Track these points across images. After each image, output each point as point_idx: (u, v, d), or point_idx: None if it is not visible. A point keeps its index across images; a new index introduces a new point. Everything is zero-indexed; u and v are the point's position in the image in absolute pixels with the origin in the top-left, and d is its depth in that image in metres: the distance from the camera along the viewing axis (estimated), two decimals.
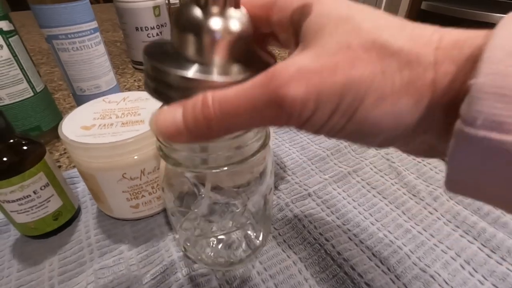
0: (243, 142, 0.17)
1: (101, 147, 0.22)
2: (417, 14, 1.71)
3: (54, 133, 0.40)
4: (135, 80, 0.57)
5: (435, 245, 0.25)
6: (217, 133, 0.12)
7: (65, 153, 0.38)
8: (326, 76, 0.10)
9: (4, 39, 0.32)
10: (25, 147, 0.23)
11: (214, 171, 0.17)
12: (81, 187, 0.32)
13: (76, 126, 0.24)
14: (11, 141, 0.22)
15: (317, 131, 0.11)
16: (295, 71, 0.10)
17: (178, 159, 0.17)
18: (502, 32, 0.09)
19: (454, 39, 0.10)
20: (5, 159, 0.22)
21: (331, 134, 0.11)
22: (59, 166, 0.35)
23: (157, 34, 0.57)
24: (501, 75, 0.08)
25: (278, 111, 0.10)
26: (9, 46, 0.32)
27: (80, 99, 0.41)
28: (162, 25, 0.58)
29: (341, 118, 0.11)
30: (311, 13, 0.12)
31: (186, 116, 0.11)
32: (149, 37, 0.57)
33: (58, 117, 0.40)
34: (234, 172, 0.20)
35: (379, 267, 0.24)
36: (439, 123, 0.10)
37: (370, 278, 0.23)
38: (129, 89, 0.54)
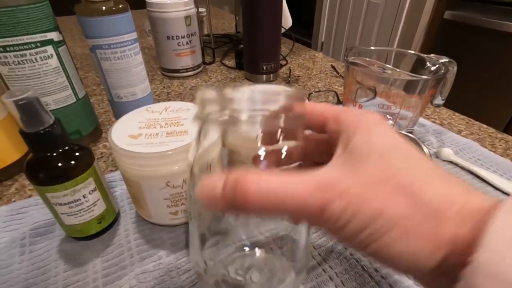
0: None
1: (149, 156, 0.23)
2: (439, 24, 1.68)
3: (91, 137, 0.41)
4: (164, 87, 0.59)
5: None
6: (251, 213, 0.12)
7: (102, 157, 0.39)
8: (365, 201, 0.12)
9: (54, 49, 0.34)
10: (77, 153, 0.24)
11: None
12: (119, 192, 0.33)
13: (124, 134, 0.25)
14: (66, 148, 0.24)
15: (345, 240, 0.13)
16: (343, 190, 0.12)
17: None
18: (502, 219, 0.10)
19: (478, 206, 0.11)
20: (60, 164, 0.23)
21: (357, 248, 0.13)
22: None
23: (187, 43, 0.59)
24: (495, 262, 0.09)
25: (318, 214, 0.12)
26: (58, 55, 0.34)
27: (116, 105, 0.43)
28: (192, 34, 0.59)
29: (368, 238, 0.12)
30: (360, 134, 0.13)
31: (225, 192, 0.12)
32: (179, 45, 0.59)
33: (95, 122, 0.42)
34: None
35: (418, 285, 0.23)
36: (452, 276, 0.11)
37: None
38: (158, 96, 0.56)
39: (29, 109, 0.21)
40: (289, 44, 0.83)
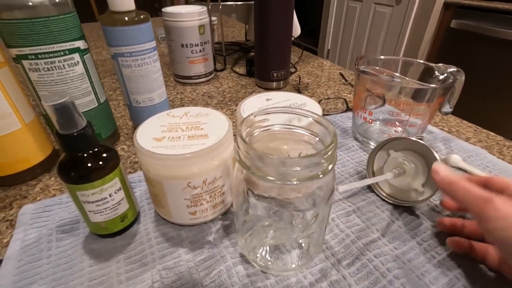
0: (314, 161, 0.19)
1: (173, 158, 0.25)
2: (446, 33, 1.69)
3: (110, 140, 0.43)
4: (177, 93, 0.61)
5: (484, 271, 0.26)
6: (447, 191, 0.24)
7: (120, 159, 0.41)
8: None
9: (80, 56, 0.36)
10: (105, 155, 0.26)
11: (288, 183, 0.19)
12: (138, 192, 0.34)
13: (148, 137, 0.27)
14: (96, 149, 0.25)
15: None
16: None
17: (253, 167, 0.19)
18: None
19: None
20: (90, 165, 0.25)
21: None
22: None
23: (200, 51, 0.61)
24: None
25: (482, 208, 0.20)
26: (83, 62, 0.36)
27: (134, 110, 0.44)
28: (205, 42, 0.62)
29: None
30: None
31: (443, 176, 0.24)
32: (193, 53, 0.61)
33: (114, 125, 0.44)
34: (296, 188, 0.22)
35: (428, 287, 0.24)
36: None
37: None
38: (172, 101, 0.57)
39: (65, 113, 0.23)
40: (298, 52, 0.85)
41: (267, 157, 0.18)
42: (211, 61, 0.66)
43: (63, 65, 0.34)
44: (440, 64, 0.40)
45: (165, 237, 0.29)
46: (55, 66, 0.34)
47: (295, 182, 0.19)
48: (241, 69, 0.73)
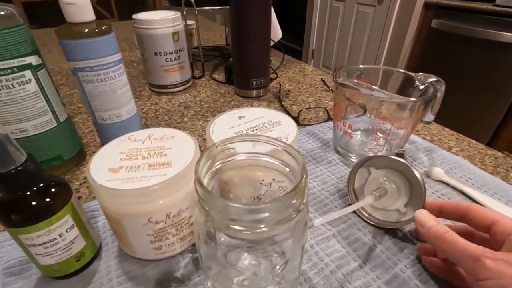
0: (283, 203, 0.17)
1: (129, 194, 0.22)
2: (427, 32, 1.71)
3: (75, 161, 0.40)
4: (151, 104, 0.58)
5: None
6: (434, 245, 0.24)
7: (85, 182, 0.38)
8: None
9: (32, 73, 0.32)
10: (53, 190, 0.23)
11: (247, 232, 0.17)
12: (101, 222, 0.31)
13: (104, 168, 0.24)
14: (41, 185, 0.22)
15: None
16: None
17: (214, 216, 0.17)
18: None
19: None
20: (34, 203, 0.22)
21: None
22: (79, 197, 0.35)
23: (175, 59, 0.58)
24: None
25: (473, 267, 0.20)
26: (37, 79, 0.33)
27: (101, 127, 0.41)
28: (180, 50, 0.59)
29: None
30: None
31: (428, 229, 0.24)
32: (167, 61, 0.58)
33: (79, 145, 0.41)
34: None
35: None
36: None
37: None
38: (146, 113, 0.54)
39: None
40: (279, 56, 0.83)
41: (230, 206, 0.16)
42: (187, 69, 0.63)
43: (11, 84, 0.31)
44: (420, 74, 0.38)
45: (128, 276, 0.26)
46: (2, 86, 0.30)
47: (264, 229, 0.17)
48: (221, 76, 0.71)
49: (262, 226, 0.17)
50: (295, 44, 2.82)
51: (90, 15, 0.34)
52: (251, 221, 0.16)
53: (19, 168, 0.21)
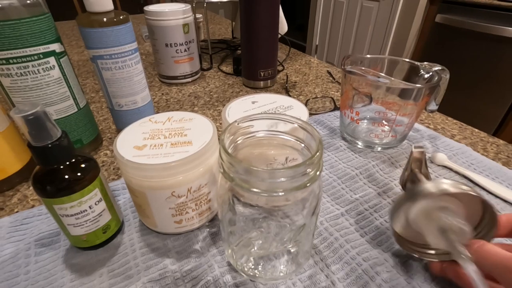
0: (298, 172, 0.18)
1: (155, 168, 0.24)
2: (431, 27, 1.71)
3: (92, 146, 0.42)
4: (162, 94, 0.60)
5: None
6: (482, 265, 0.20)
7: (103, 165, 0.40)
8: None
9: (56, 60, 0.34)
10: (83, 165, 0.25)
11: (264, 195, 0.19)
12: (122, 201, 0.33)
13: (129, 145, 0.26)
14: (73, 160, 0.24)
15: None
16: None
17: (237, 179, 0.19)
18: None
19: None
20: (66, 177, 0.24)
21: None
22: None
23: (185, 50, 0.60)
24: None
25: None
26: (60, 66, 0.34)
27: (117, 114, 0.43)
28: (190, 41, 0.60)
29: None
30: None
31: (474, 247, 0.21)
32: (178, 52, 0.59)
33: (96, 130, 0.43)
34: (283, 198, 0.21)
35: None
36: None
37: None
38: (157, 103, 0.56)
39: (37, 124, 0.21)
40: (285, 49, 0.84)
41: (251, 169, 0.18)
42: (196, 60, 0.64)
43: (37, 69, 0.32)
44: (425, 63, 0.40)
45: (150, 248, 0.28)
46: (28, 71, 0.32)
47: (281, 194, 0.19)
48: (228, 68, 0.72)
49: (279, 190, 0.18)
50: (298, 39, 2.82)
51: (109, 5, 0.36)
52: (269, 184, 0.18)
53: (56, 142, 0.22)
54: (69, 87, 0.36)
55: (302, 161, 0.24)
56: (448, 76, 0.39)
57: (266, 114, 0.22)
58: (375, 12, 1.99)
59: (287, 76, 0.67)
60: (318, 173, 0.19)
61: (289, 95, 0.58)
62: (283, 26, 0.80)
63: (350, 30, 2.21)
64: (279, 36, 0.75)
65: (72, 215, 0.24)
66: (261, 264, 0.25)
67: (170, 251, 0.28)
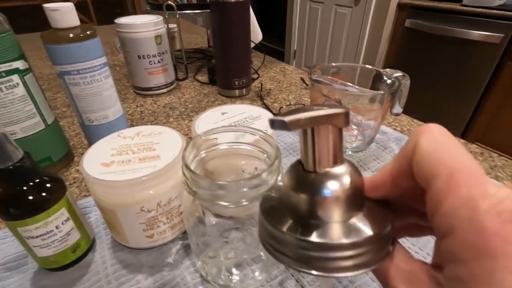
0: (261, 181, 0.19)
1: (122, 184, 0.24)
2: (401, 32, 1.79)
3: (63, 163, 0.41)
4: (137, 106, 0.59)
5: None
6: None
7: (74, 182, 0.39)
8: None
9: (20, 78, 0.33)
10: (48, 185, 0.24)
11: (230, 207, 0.19)
12: (93, 217, 0.33)
13: (96, 162, 0.26)
14: (37, 180, 0.24)
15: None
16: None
17: (202, 194, 0.19)
18: None
19: None
20: (30, 198, 0.23)
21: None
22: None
23: (159, 61, 0.60)
24: None
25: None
26: (24, 84, 0.34)
27: (88, 129, 0.42)
28: (163, 53, 0.60)
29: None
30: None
31: None
32: (151, 64, 0.59)
33: (67, 147, 0.42)
34: (250, 206, 0.22)
35: None
36: None
37: None
38: (132, 115, 0.56)
39: None
40: (261, 57, 0.86)
41: (213, 183, 0.18)
42: (171, 71, 0.65)
43: (0, 88, 0.32)
44: (387, 70, 0.42)
45: (123, 264, 0.28)
46: None
47: (245, 203, 0.19)
48: (204, 77, 0.73)
49: (243, 200, 0.19)
50: (277, 45, 2.87)
51: (74, 21, 0.36)
52: (232, 195, 0.19)
53: (17, 164, 0.22)
54: (35, 104, 0.36)
55: None
56: (408, 81, 0.41)
57: (226, 127, 0.23)
58: (349, 18, 2.06)
59: (261, 84, 0.68)
60: (278, 179, 0.20)
61: (264, 103, 0.59)
62: (257, 35, 0.81)
63: (326, 36, 2.27)
64: (254, 44, 0.76)
65: (37, 237, 0.24)
66: (233, 273, 0.26)
67: (143, 266, 0.28)
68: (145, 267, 0.28)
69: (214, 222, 0.26)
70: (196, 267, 0.27)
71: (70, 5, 0.35)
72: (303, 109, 0.12)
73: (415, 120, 0.54)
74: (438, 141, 0.12)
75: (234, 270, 0.26)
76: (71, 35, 0.36)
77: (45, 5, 0.34)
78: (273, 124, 0.12)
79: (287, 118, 0.12)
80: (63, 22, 0.35)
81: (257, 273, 0.26)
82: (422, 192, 0.12)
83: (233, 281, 0.26)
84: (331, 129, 0.13)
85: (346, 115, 0.13)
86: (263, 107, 0.57)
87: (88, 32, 0.37)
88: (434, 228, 0.12)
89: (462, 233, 0.10)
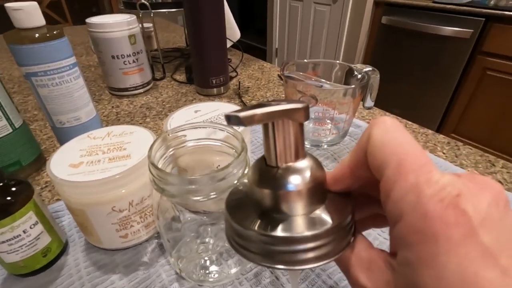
0: (226, 173, 0.20)
1: (91, 184, 0.24)
2: (378, 28, 1.84)
3: (34, 167, 0.40)
4: (112, 107, 0.58)
5: None
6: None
7: (46, 186, 0.38)
8: None
9: None
10: (14, 188, 0.24)
11: (201, 200, 0.20)
12: (66, 221, 0.32)
13: (64, 164, 0.25)
14: (0, 184, 0.23)
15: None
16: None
17: (170, 190, 0.19)
18: None
19: None
20: None
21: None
22: (42, 200, 0.35)
23: (134, 61, 0.59)
24: None
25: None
26: None
27: (59, 131, 0.41)
28: (138, 52, 0.59)
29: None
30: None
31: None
32: (126, 64, 0.58)
33: (37, 150, 0.41)
34: (220, 199, 0.22)
35: None
36: None
37: None
38: (107, 116, 0.55)
39: None
40: (239, 55, 0.86)
41: (181, 179, 0.19)
42: (147, 71, 0.64)
43: None
44: (358, 65, 0.43)
45: (97, 265, 0.28)
46: None
47: (213, 196, 0.20)
48: (182, 77, 0.72)
49: (212, 193, 0.19)
50: (259, 43, 2.87)
51: (39, 20, 0.35)
52: (200, 189, 0.19)
53: None
54: (1, 107, 0.34)
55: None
56: (378, 75, 0.43)
57: (193, 124, 0.23)
58: (328, 15, 2.09)
59: (239, 82, 0.69)
60: (245, 172, 0.21)
61: (242, 101, 0.60)
62: (235, 33, 0.81)
63: (307, 33, 2.30)
64: (232, 43, 0.76)
65: (3, 242, 0.23)
66: (208, 268, 0.26)
67: (118, 267, 0.28)
68: (120, 267, 0.28)
69: (189, 218, 0.26)
70: (171, 264, 0.28)
71: (34, 4, 0.34)
72: (261, 104, 0.13)
73: (387, 114, 0.56)
74: (389, 132, 0.12)
75: (209, 265, 0.26)
76: (36, 35, 0.35)
77: (7, 5, 0.33)
78: (229, 119, 0.12)
79: (241, 114, 0.12)
80: (27, 21, 0.34)
81: (232, 267, 0.27)
82: (378, 182, 0.12)
83: (209, 275, 0.26)
84: (291, 124, 0.14)
85: (306, 110, 0.13)
86: (241, 105, 0.58)
87: (54, 32, 0.36)
88: (387, 216, 0.12)
89: (409, 218, 0.10)
